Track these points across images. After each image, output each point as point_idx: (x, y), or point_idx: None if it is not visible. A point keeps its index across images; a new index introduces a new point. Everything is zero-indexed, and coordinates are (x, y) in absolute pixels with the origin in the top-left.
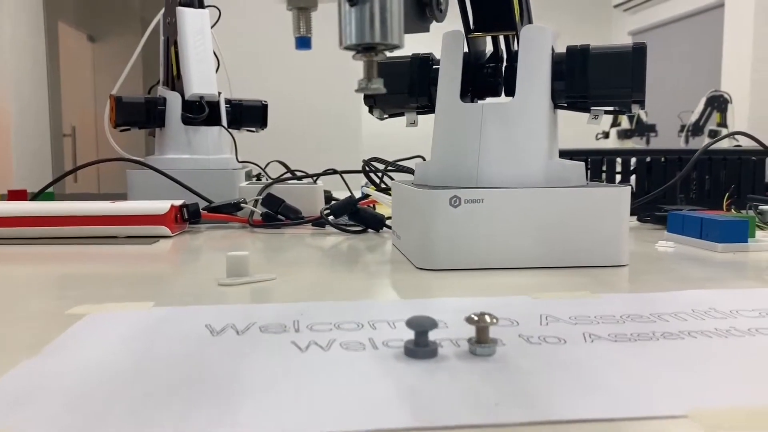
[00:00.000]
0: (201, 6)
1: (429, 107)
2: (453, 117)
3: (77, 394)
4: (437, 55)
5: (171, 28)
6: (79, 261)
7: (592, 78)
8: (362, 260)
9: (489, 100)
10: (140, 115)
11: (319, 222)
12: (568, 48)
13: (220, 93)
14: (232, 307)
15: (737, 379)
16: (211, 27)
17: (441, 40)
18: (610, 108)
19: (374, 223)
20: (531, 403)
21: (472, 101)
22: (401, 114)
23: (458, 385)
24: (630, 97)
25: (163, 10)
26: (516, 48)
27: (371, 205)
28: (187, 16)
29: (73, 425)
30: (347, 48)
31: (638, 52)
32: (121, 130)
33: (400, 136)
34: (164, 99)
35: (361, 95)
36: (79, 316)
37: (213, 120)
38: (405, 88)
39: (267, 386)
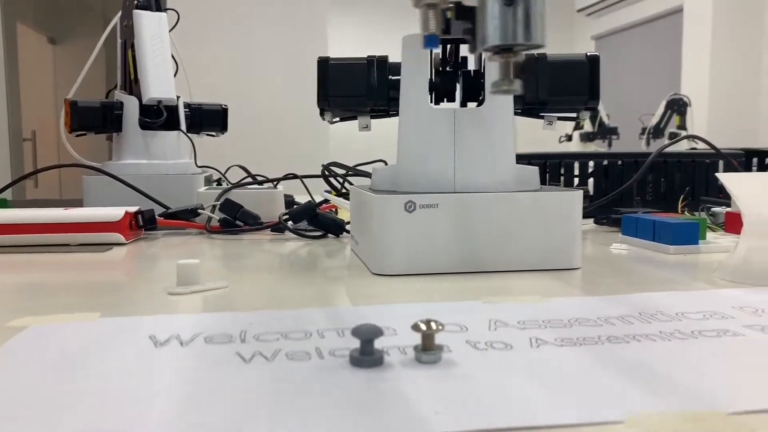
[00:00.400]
0: (159, 9)
1: (384, 111)
2: (422, 121)
3: (6, 411)
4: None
5: (128, 32)
6: (28, 270)
7: (550, 86)
8: (320, 266)
9: (443, 105)
10: (96, 119)
11: (278, 227)
12: (526, 56)
13: (178, 97)
14: (179, 317)
15: (675, 382)
16: (170, 30)
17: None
18: (562, 114)
19: (334, 228)
20: (469, 412)
21: None
22: (353, 118)
23: (400, 394)
24: (585, 104)
25: (120, 13)
26: (464, 54)
27: (332, 210)
28: (144, 19)
29: None
30: (487, 49)
31: (593, 62)
32: (77, 135)
33: (367, 138)
34: (121, 103)
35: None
36: (21, 328)
37: (171, 124)
38: (363, 90)
39: (203, 399)
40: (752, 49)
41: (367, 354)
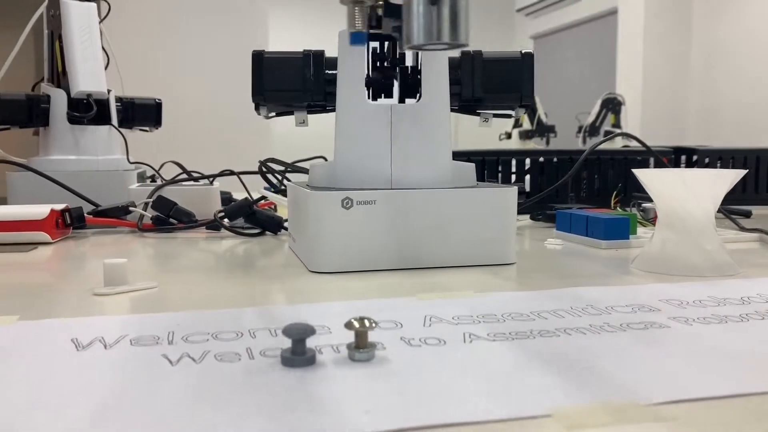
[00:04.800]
0: None
1: (321, 106)
2: (359, 117)
3: None
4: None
5: (55, 22)
6: None
7: (485, 83)
8: (255, 264)
9: (381, 101)
10: (21, 113)
11: (213, 225)
12: (462, 53)
13: (109, 91)
14: (104, 319)
15: (602, 375)
16: (101, 21)
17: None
18: (499, 111)
19: (271, 225)
20: (399, 410)
21: None
22: (290, 113)
23: (331, 394)
24: (519, 101)
25: (46, 2)
26: (402, 50)
27: (271, 207)
28: (73, 9)
29: None
30: (411, 48)
31: (527, 59)
32: (1, 130)
33: (311, 135)
34: (48, 96)
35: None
36: None
37: (102, 119)
38: (299, 84)
39: (125, 404)
40: (682, 51)
41: (298, 353)
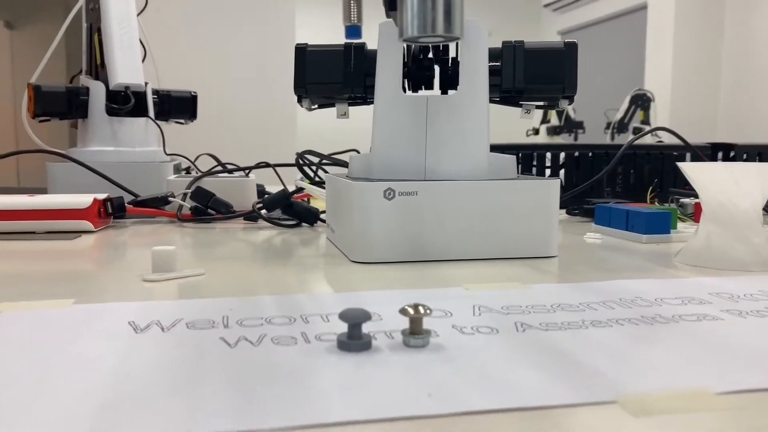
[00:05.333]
0: None
1: (362, 98)
2: (396, 109)
3: None
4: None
5: (94, 15)
6: None
7: (527, 73)
8: (295, 254)
9: (421, 93)
10: (61, 105)
11: (251, 216)
12: (504, 43)
13: (147, 83)
14: (158, 303)
15: (662, 364)
16: (138, 15)
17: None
18: (541, 103)
19: (308, 216)
20: (462, 394)
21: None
22: (331, 105)
23: (391, 377)
24: (562, 92)
25: None
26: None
27: (305, 199)
28: (112, 2)
29: None
30: (407, 40)
31: (570, 49)
32: (41, 121)
33: (336, 129)
34: (87, 88)
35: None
36: None
37: (139, 111)
38: (340, 77)
39: (194, 384)
40: (713, 46)
41: (355, 338)
